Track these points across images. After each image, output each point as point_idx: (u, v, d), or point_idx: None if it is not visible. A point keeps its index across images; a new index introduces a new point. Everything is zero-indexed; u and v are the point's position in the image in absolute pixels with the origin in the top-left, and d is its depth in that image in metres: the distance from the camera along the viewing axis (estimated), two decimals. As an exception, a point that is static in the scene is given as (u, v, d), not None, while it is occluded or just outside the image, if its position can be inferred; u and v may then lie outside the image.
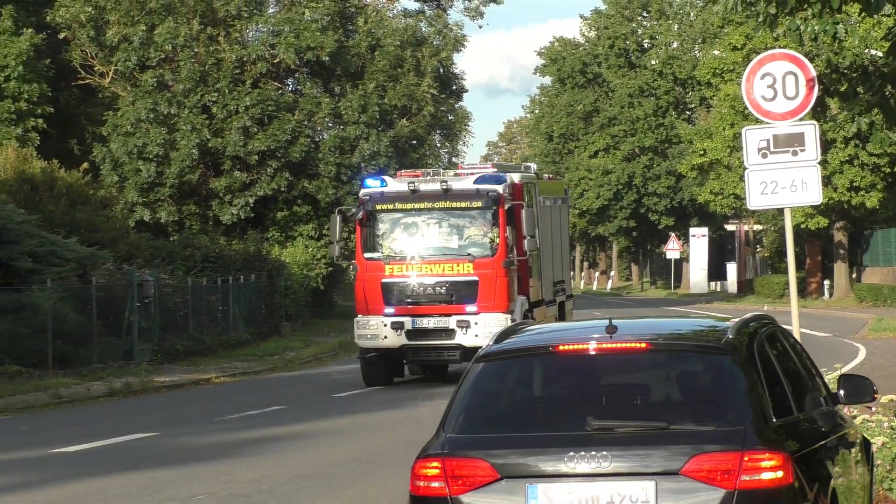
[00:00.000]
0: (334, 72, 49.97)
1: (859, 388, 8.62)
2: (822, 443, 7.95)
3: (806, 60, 16.37)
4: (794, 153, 15.69)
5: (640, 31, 79.44)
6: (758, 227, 66.20)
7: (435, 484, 6.79)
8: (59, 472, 16.02)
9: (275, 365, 33.60)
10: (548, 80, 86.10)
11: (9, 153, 38.62)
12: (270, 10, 51.46)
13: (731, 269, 70.27)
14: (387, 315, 20.80)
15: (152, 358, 31.77)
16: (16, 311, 29.30)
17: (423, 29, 54.08)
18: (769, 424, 6.99)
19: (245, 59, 48.73)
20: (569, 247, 29.80)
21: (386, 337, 20.70)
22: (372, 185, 22.04)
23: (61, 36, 48.21)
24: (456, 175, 23.06)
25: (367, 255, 21.43)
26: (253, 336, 39.56)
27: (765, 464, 6.75)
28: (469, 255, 20.94)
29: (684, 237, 71.81)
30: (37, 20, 47.57)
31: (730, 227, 71.05)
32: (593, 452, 6.68)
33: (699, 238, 69.30)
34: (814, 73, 16.13)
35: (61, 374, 28.10)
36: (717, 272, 70.48)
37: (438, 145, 52.60)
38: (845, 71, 17.94)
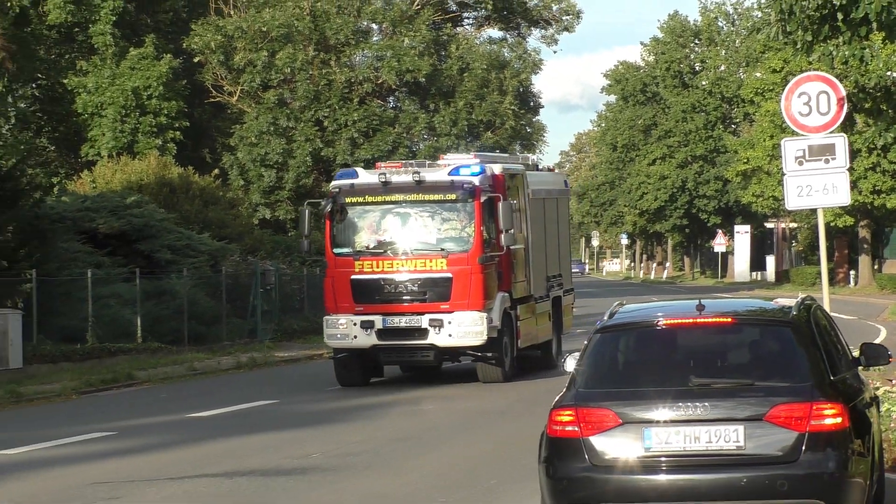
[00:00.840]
0: (429, 91, 51.11)
1: (877, 354, 8.99)
2: (861, 397, 8.60)
3: (837, 81, 16.42)
4: (826, 161, 15.78)
5: (692, 56, 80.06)
6: (793, 224, 66.68)
7: (569, 428, 7.51)
8: (194, 433, 16.19)
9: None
10: (612, 97, 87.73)
11: (151, 161, 40.53)
12: (374, 38, 52.11)
13: (770, 260, 70.90)
14: (356, 314, 17.65)
15: (273, 336, 32.58)
16: (157, 297, 30.71)
17: (506, 54, 54.79)
18: (827, 381, 7.80)
19: (353, 80, 49.60)
20: (568, 239, 25.70)
21: (356, 336, 17.54)
22: (343, 178, 19.12)
23: (196, 60, 49.60)
24: (432, 166, 19.82)
25: (336, 250, 18.16)
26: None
27: (828, 412, 7.49)
28: (442, 250, 17.75)
29: (730, 233, 72.51)
30: (175, 47, 48.52)
31: (769, 225, 71.86)
32: (696, 403, 7.53)
33: (742, 234, 70.25)
34: (843, 92, 16.34)
35: (195, 350, 29.07)
36: (757, 263, 71.00)
37: (518, 154, 52.96)
38: (871, 91, 18.58)
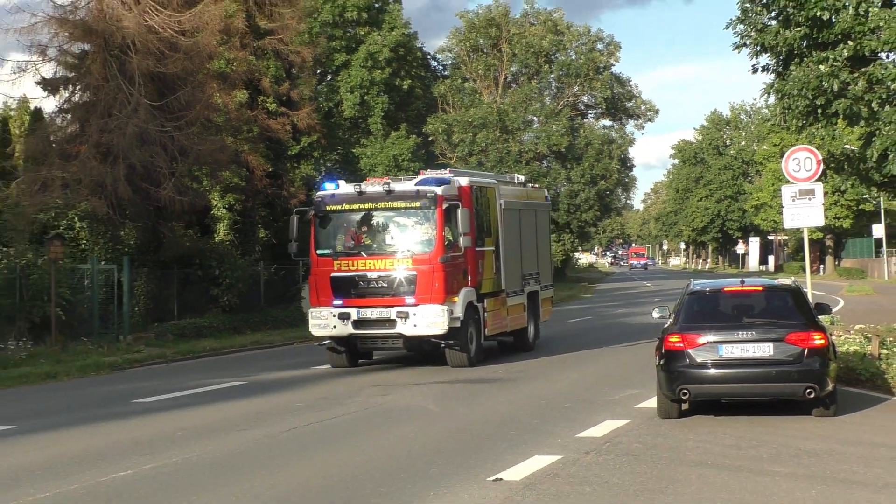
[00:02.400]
0: (567, 156, 63.01)
1: (824, 309, 14.14)
2: (829, 332, 13.01)
3: (816, 151, 19.76)
4: (809, 199, 19.10)
5: (724, 136, 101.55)
6: (785, 237, 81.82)
7: (677, 344, 11.57)
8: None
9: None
10: (676, 160, 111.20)
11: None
12: (535, 125, 64.26)
13: (771, 258, 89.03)
14: (335, 306, 17.88)
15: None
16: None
17: (613, 135, 68.14)
18: (815, 321, 12.37)
19: (522, 150, 61.56)
20: (548, 242, 25.43)
21: (335, 326, 17.80)
22: (326, 189, 19.19)
23: (430, 139, 57.90)
24: (404, 179, 20.03)
25: (318, 251, 18.39)
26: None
27: (817, 337, 11.99)
28: (408, 251, 17.88)
29: (746, 242, 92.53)
30: (417, 131, 54.69)
31: (770, 237, 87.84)
32: (746, 332, 11.90)
33: (754, 243, 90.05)
34: (820, 157, 19.47)
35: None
36: (763, 260, 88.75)
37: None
38: (837, 156, 22.57)
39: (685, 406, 12.55)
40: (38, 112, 33.90)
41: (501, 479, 9.75)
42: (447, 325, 17.39)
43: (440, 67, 62.70)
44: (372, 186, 18.41)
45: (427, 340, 18.00)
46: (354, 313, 17.50)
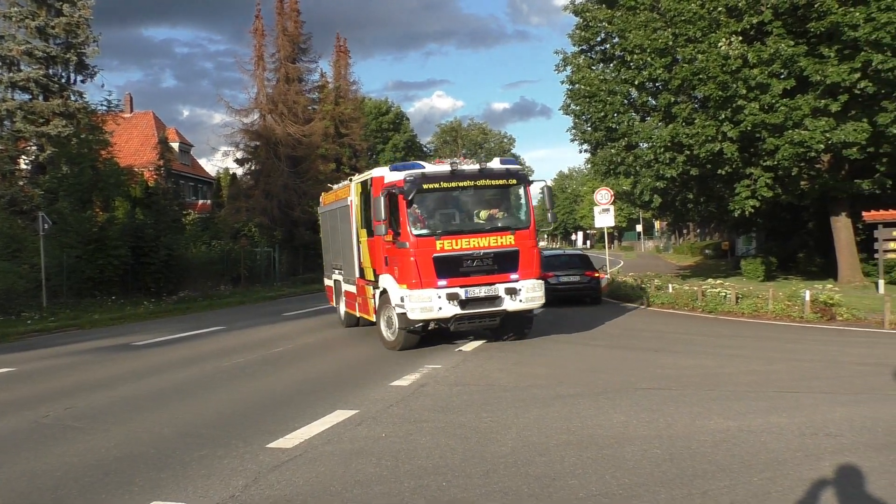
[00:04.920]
0: None
1: (600, 263, 20.73)
2: (598, 275, 20.36)
3: (611, 189, 25.40)
4: (606, 211, 25.17)
5: (565, 183, 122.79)
6: (594, 231, 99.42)
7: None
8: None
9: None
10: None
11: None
12: None
13: (588, 242, 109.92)
14: (440, 287, 13.19)
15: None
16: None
17: None
18: (594, 267, 20.12)
19: None
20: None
21: (441, 308, 13.17)
22: (409, 169, 13.80)
23: None
24: (469, 162, 14.43)
25: (416, 231, 13.34)
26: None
27: (595, 273, 20.61)
28: (509, 227, 13.71)
29: (576, 234, 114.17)
30: None
31: (589, 231, 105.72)
32: (569, 270, 20.29)
33: (580, 234, 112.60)
34: (612, 193, 25.22)
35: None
36: (584, 242, 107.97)
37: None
38: (620, 193, 26.00)
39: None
40: (233, 175, 43.48)
41: (462, 349, 13.53)
42: (544, 298, 13.96)
43: (428, 150, 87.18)
44: (463, 165, 13.92)
45: (525, 314, 14.00)
46: (462, 293, 13.26)
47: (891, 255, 19.97)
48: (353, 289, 16.32)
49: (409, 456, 6.59)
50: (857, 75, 20.36)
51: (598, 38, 25.58)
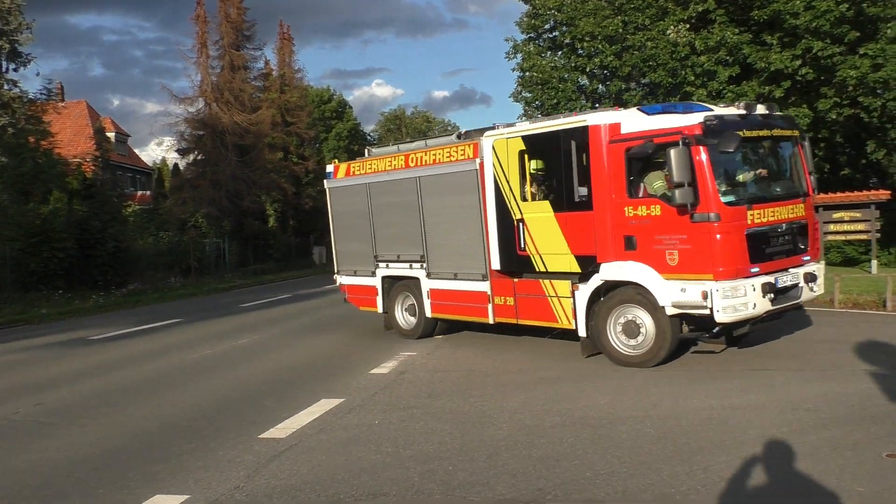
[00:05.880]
0: None
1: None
2: None
3: None
4: None
5: None
6: None
7: None
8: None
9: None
10: None
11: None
12: None
13: None
14: (753, 275, 8.77)
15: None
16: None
17: None
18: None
19: None
20: None
21: (755, 305, 8.73)
22: (698, 110, 8.93)
23: None
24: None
25: (725, 199, 8.66)
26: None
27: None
28: (798, 194, 9.62)
29: None
30: None
31: None
32: None
33: None
34: None
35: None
36: None
37: None
38: None
39: None
40: (176, 166, 43.02)
41: (437, 336, 12.31)
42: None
43: (372, 138, 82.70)
44: (755, 108, 9.32)
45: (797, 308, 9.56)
46: (774, 281, 9.06)
47: (830, 238, 20.71)
48: (462, 287, 11.48)
49: (407, 442, 6.58)
50: (798, 62, 21.00)
51: (547, 26, 25.78)
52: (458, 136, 11.90)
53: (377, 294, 13.17)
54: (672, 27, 21.66)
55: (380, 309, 13.16)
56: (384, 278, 13.08)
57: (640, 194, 9.25)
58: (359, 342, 12.70)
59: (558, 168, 9.96)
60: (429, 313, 12.25)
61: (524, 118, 26.21)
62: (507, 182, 10.67)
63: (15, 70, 29.35)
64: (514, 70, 26.85)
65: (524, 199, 10.53)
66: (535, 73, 25.17)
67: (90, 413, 8.47)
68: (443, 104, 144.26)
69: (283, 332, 14.91)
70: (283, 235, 42.39)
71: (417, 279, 12.40)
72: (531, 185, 10.54)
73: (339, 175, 13.71)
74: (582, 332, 9.87)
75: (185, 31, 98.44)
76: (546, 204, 10.25)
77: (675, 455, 5.90)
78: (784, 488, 5.16)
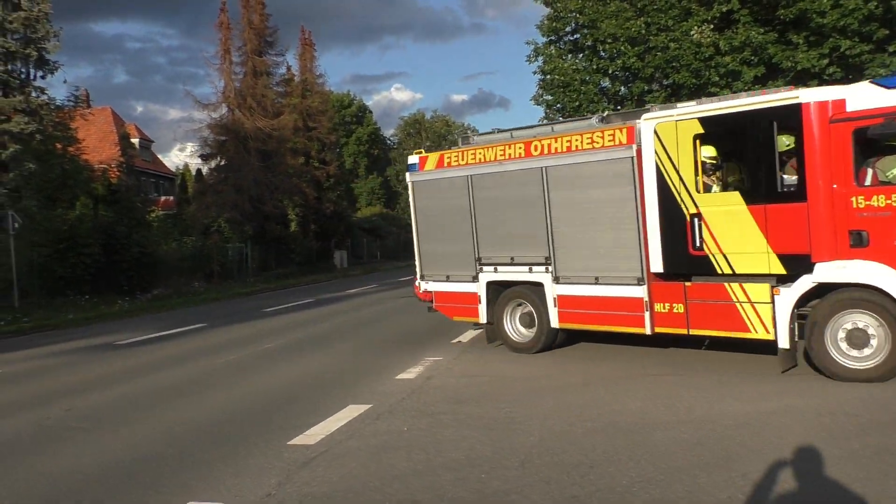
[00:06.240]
0: None
1: None
2: None
3: None
4: None
5: None
6: None
7: None
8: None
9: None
10: None
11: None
12: None
13: None
14: None
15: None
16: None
17: None
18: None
19: None
20: None
21: None
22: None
23: (388, 180, 75.26)
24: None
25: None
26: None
27: None
28: None
29: None
30: (383, 176, 74.55)
31: None
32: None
33: None
34: None
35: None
36: None
37: None
38: None
39: None
40: (199, 171, 43.19)
41: (460, 340, 12.59)
42: None
43: (391, 143, 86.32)
44: None
45: None
46: None
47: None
48: (606, 292, 10.07)
49: (438, 449, 6.50)
50: (826, 61, 20.73)
51: (568, 29, 25.66)
52: (601, 120, 10.51)
53: (479, 302, 11.40)
54: (696, 28, 21.48)
55: (482, 319, 11.40)
56: (490, 284, 11.35)
57: (869, 182, 7.89)
58: (384, 347, 12.62)
59: (755, 153, 8.53)
60: (555, 323, 10.55)
61: (545, 120, 26.22)
62: (677, 171, 9.10)
63: (42, 77, 29.73)
64: (535, 73, 26.75)
65: (701, 190, 9.03)
66: (556, 76, 25.05)
67: (120, 417, 8.48)
68: (461, 108, 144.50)
69: (308, 336, 14.85)
70: (304, 240, 42.92)
71: (540, 284, 10.72)
72: (710, 175, 9.17)
73: (428, 167, 11.84)
74: (784, 344, 8.46)
75: (208, 38, 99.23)
76: (735, 195, 8.74)
77: (712, 462, 5.78)
78: (825, 496, 5.05)
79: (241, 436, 7.28)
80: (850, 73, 20.92)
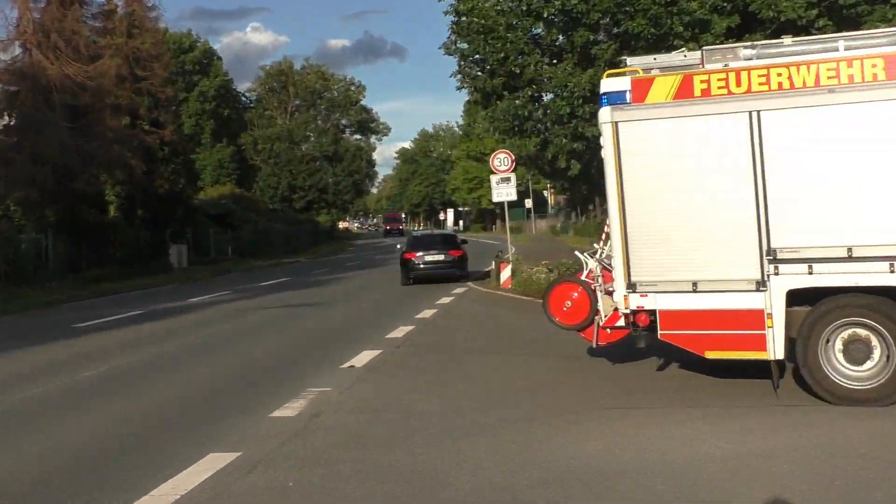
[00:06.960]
0: (332, 158, 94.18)
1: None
2: (465, 251, 31.03)
3: (512, 154, 27.08)
4: (508, 182, 27.48)
5: (430, 144, 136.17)
6: (468, 208, 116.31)
7: (407, 256, 30.35)
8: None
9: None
10: (399, 161, 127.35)
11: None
12: (311, 139, 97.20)
13: (461, 222, 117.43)
14: None
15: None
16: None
17: (362, 144, 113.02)
18: (460, 246, 30.99)
19: (303, 154, 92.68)
20: None
21: None
22: None
23: (242, 148, 76.69)
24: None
25: None
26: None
27: (459, 252, 30.53)
28: None
29: (445, 211, 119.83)
30: (233, 143, 75.69)
31: (461, 208, 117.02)
32: (433, 250, 34.15)
33: (450, 211, 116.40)
34: (514, 157, 27.01)
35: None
36: (455, 222, 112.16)
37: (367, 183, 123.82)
38: (524, 157, 27.22)
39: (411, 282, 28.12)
40: None
41: (353, 365, 12.63)
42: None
43: (248, 100, 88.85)
44: None
45: None
46: None
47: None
48: None
49: (339, 511, 6.36)
50: (815, 12, 21.55)
51: (490, -43, 25.69)
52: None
53: (768, 325, 9.24)
54: (655, -37, 21.90)
55: (773, 354, 9.25)
56: (792, 294, 9.27)
57: None
58: (251, 375, 12.55)
59: None
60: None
61: (459, 76, 26.24)
62: None
63: None
64: (445, 13, 26.64)
65: None
66: (474, 19, 25.02)
67: None
68: (342, 56, 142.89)
69: (141, 362, 14.54)
70: (129, 229, 42.40)
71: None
72: None
73: (653, 97, 9.65)
74: None
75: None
76: None
77: (698, 522, 5.86)
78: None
79: None
80: (845, 26, 21.82)
